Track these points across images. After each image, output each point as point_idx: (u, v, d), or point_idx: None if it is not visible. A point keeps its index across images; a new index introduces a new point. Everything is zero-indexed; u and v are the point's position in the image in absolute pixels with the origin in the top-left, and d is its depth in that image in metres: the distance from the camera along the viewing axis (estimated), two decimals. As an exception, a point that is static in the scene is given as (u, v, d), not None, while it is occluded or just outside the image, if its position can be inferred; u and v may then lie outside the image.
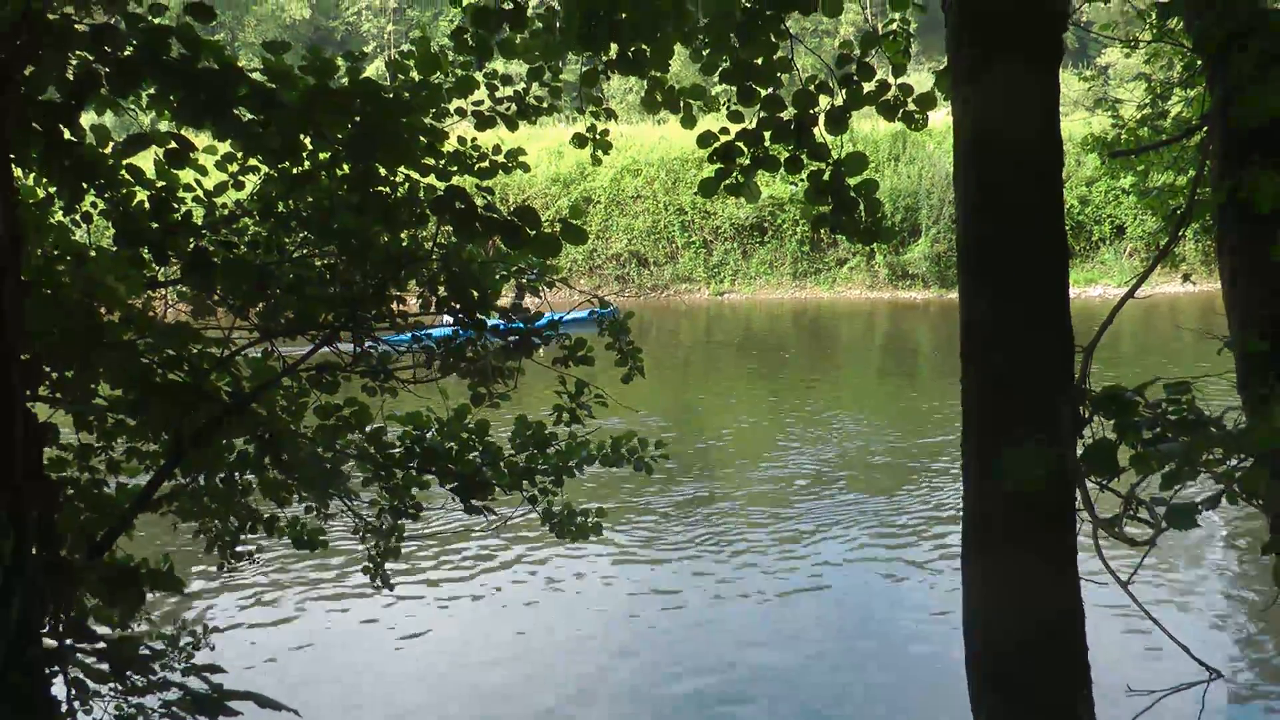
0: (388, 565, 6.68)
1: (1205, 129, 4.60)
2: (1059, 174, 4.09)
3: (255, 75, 3.76)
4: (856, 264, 40.07)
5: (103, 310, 4.44)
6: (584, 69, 6.02)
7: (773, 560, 13.75)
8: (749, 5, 5.23)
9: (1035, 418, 3.91)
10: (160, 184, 4.54)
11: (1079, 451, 3.71)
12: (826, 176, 5.22)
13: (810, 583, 13.02)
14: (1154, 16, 9.61)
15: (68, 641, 3.45)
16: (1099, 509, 3.53)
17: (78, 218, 5.02)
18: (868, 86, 5.37)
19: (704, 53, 5.41)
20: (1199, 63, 6.02)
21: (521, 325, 5.80)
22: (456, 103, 6.03)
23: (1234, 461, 3.27)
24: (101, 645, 3.53)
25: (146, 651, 3.48)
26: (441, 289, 5.47)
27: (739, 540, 14.50)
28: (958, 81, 4.10)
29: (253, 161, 5.39)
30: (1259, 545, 3.57)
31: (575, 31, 5.48)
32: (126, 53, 3.40)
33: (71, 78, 3.31)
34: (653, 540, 14.53)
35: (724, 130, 5.31)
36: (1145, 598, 10.13)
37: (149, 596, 4.70)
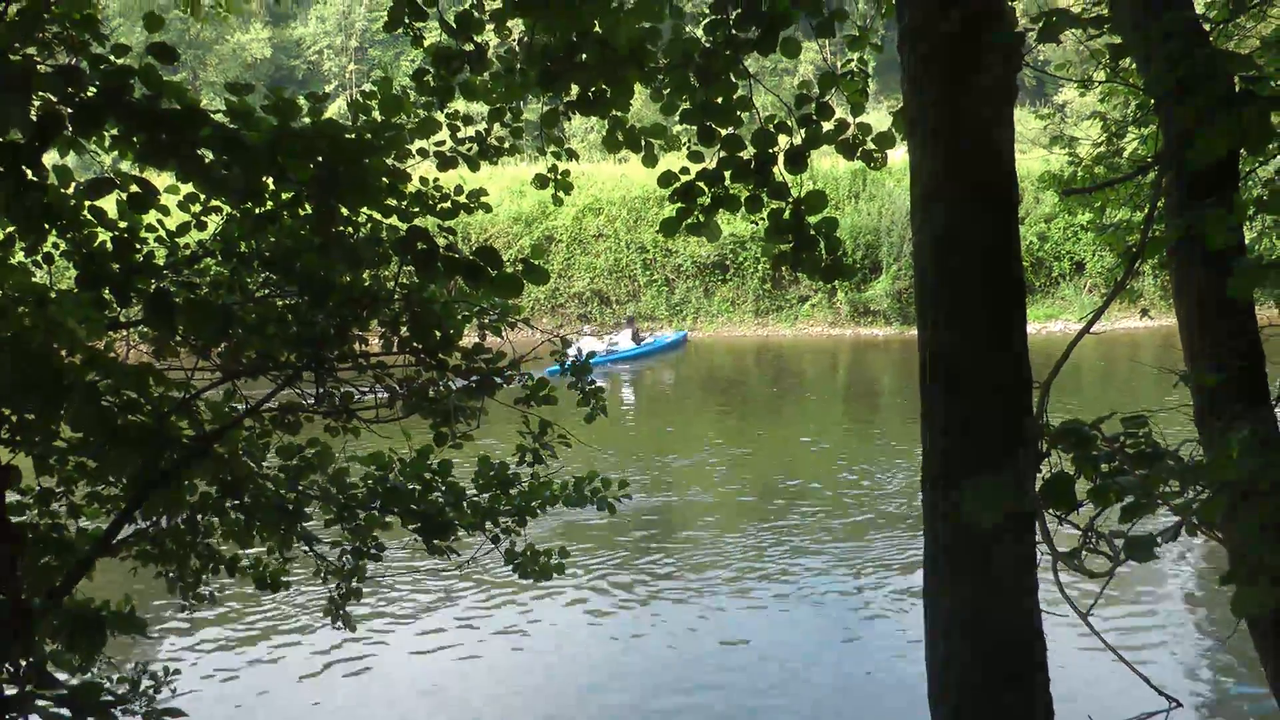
0: (350, 607, 6.64)
1: (1158, 167, 4.67)
2: (1014, 212, 4.14)
3: (218, 116, 3.76)
4: (818, 301, 40.14)
5: (64, 353, 4.41)
6: (545, 109, 6.05)
7: (736, 599, 13.74)
8: (709, 46, 5.27)
9: (994, 453, 3.94)
10: (123, 225, 4.53)
11: (1037, 485, 3.75)
12: (787, 215, 5.24)
13: (774, 620, 13.02)
14: (1108, 57, 9.74)
15: (28, 688, 3.40)
16: (1058, 542, 3.56)
17: (39, 259, 4.99)
18: (827, 125, 5.40)
19: (664, 92, 5.44)
20: (1152, 101, 6.12)
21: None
22: (418, 143, 6.04)
23: (1191, 494, 3.31)
24: (63, 691, 3.48)
25: (109, 696, 3.43)
26: (404, 329, 5.47)
27: (702, 580, 14.49)
28: (913, 121, 4.15)
29: (215, 202, 5.38)
30: (1217, 576, 3.59)
31: (536, 73, 5.52)
32: (89, 94, 3.40)
33: (35, 119, 3.30)
34: (615, 579, 14.49)
35: (684, 170, 5.33)
36: (1105, 629, 10.22)
37: (109, 637, 4.65)
